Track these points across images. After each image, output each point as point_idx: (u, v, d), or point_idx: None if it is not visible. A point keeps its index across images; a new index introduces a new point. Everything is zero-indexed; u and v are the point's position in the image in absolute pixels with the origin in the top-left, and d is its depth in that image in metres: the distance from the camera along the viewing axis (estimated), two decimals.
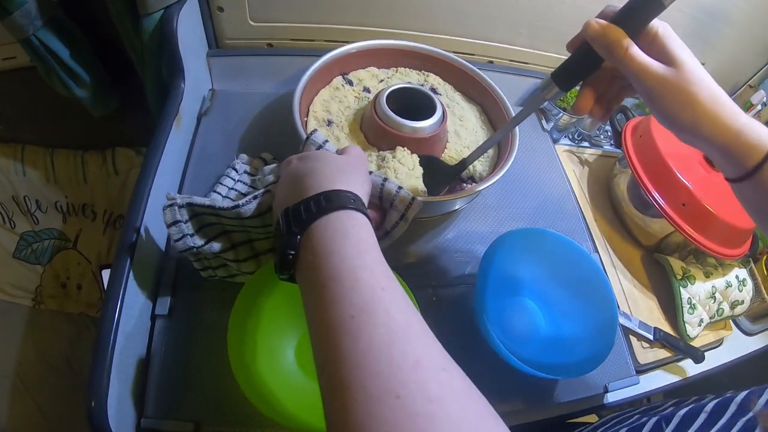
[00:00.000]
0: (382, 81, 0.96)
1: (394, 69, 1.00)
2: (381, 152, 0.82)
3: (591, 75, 0.55)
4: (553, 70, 0.57)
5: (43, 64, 0.93)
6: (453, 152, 0.90)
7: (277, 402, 0.59)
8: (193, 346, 0.69)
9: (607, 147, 1.21)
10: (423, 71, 1.01)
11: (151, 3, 0.81)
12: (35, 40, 0.88)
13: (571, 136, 1.20)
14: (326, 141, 0.69)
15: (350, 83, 0.94)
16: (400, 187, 0.63)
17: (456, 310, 0.82)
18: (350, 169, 0.54)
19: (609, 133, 1.22)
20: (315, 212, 0.46)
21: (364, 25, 1.01)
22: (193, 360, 0.68)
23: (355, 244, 0.44)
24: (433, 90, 0.98)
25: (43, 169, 1.27)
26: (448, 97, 0.99)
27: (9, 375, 1.26)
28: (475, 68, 0.99)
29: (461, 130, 0.93)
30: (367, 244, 0.44)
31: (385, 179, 0.64)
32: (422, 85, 0.96)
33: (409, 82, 0.96)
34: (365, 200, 0.52)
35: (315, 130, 0.68)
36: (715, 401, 0.51)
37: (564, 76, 0.56)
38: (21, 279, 1.33)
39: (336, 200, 0.47)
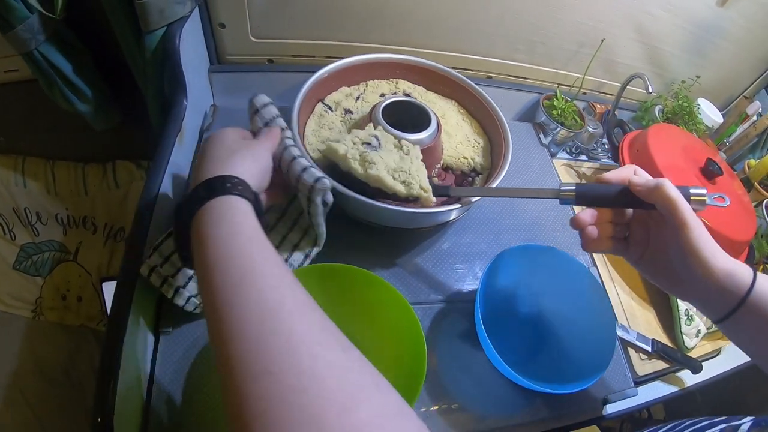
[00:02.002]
0: (358, 99, 0.95)
1: (364, 84, 0.99)
2: (373, 133, 0.80)
3: (608, 206, 0.62)
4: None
5: (45, 78, 0.93)
6: (451, 152, 0.91)
7: None
8: (198, 362, 0.69)
9: (605, 160, 1.22)
10: (392, 79, 1.01)
11: (153, 20, 0.81)
12: (38, 54, 0.88)
13: (568, 150, 1.21)
14: (272, 102, 0.72)
15: (330, 109, 0.93)
16: (304, 169, 0.66)
17: (457, 324, 0.82)
18: (242, 150, 0.58)
19: (606, 147, 1.23)
20: (197, 202, 0.50)
21: (364, 42, 1.02)
22: (198, 376, 0.68)
23: (228, 230, 0.47)
24: (407, 95, 0.97)
25: (44, 181, 1.27)
26: (423, 98, 0.99)
27: (8, 386, 1.25)
28: (440, 65, 1.00)
29: (448, 127, 0.94)
30: (239, 227, 0.47)
31: (294, 158, 0.67)
32: (395, 93, 0.97)
33: (382, 94, 0.97)
34: (254, 180, 0.56)
35: (256, 95, 0.72)
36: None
37: (587, 197, 0.62)
38: (21, 290, 1.33)
39: (214, 188, 0.51)
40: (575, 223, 0.62)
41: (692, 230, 0.54)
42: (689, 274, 0.56)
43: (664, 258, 0.60)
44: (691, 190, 0.57)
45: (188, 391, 0.67)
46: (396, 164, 0.76)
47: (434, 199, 0.76)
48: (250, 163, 0.57)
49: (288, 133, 0.71)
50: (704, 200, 0.57)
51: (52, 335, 1.33)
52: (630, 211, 0.63)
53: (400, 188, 0.74)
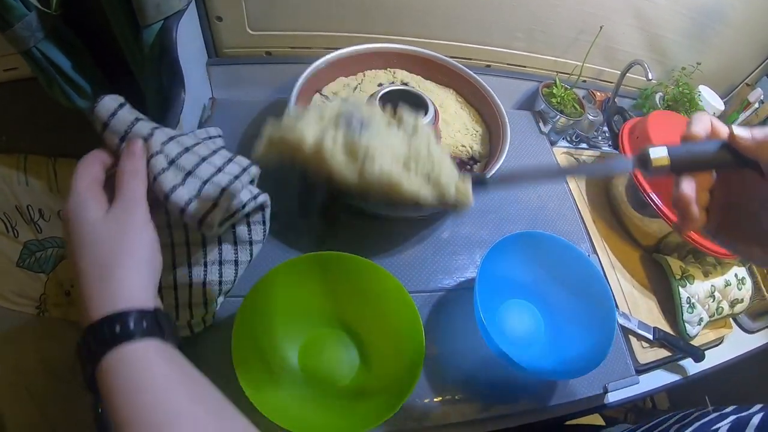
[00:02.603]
0: (355, 89, 0.96)
1: (362, 74, 0.99)
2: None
3: (705, 170, 0.48)
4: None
5: (45, 75, 0.93)
6: (449, 140, 0.92)
7: (281, 406, 0.60)
8: (199, 352, 0.69)
9: (605, 148, 1.22)
10: (389, 69, 1.01)
11: (151, 14, 0.81)
12: (36, 51, 0.88)
13: (569, 138, 1.20)
14: (123, 105, 0.52)
15: (328, 99, 0.93)
16: (189, 202, 0.51)
17: (457, 313, 0.82)
18: (115, 248, 0.45)
19: (607, 134, 1.23)
20: (89, 358, 0.42)
21: (362, 32, 1.02)
22: (198, 365, 0.68)
23: (127, 397, 0.40)
24: (405, 84, 0.97)
25: (46, 178, 1.27)
26: (420, 87, 1.00)
27: (14, 383, 1.26)
28: (437, 54, 1.00)
29: (446, 116, 0.95)
30: (139, 392, 0.40)
31: (155, 178, 0.50)
32: (393, 83, 0.98)
33: (380, 84, 0.97)
34: (145, 287, 0.46)
35: (97, 102, 0.51)
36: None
37: (684, 162, 0.46)
38: (25, 287, 1.33)
39: (101, 341, 0.42)
40: (681, 203, 0.46)
41: None
42: None
43: (753, 222, 0.48)
44: None
45: None
46: (404, 149, 0.47)
47: (472, 201, 0.50)
48: (130, 267, 0.45)
49: (156, 140, 0.52)
50: None
51: (57, 331, 1.34)
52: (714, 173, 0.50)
53: (426, 192, 0.47)
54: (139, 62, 0.91)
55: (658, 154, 0.45)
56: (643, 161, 0.46)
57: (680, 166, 0.46)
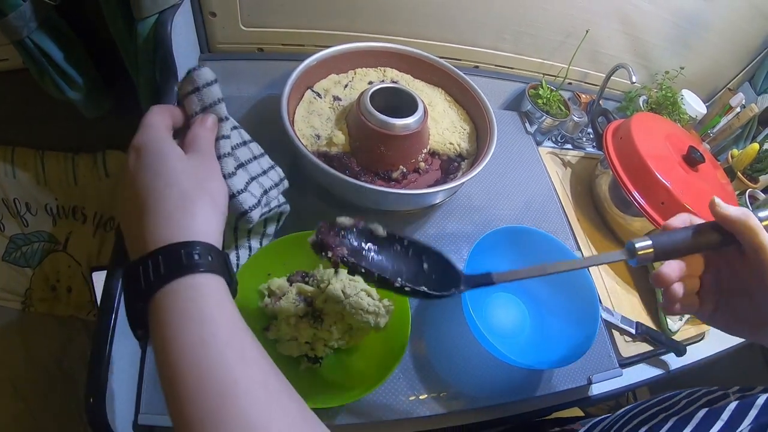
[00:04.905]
0: (346, 86, 0.97)
1: (353, 72, 1.00)
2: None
3: (688, 253, 0.51)
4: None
5: (37, 66, 0.93)
6: (437, 137, 0.94)
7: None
8: None
9: (590, 149, 1.24)
10: (380, 68, 1.02)
11: (146, 7, 0.82)
12: (29, 42, 0.88)
13: (554, 139, 1.22)
14: (216, 81, 0.53)
15: (319, 95, 0.94)
16: (239, 192, 0.56)
17: (445, 306, 0.83)
18: (196, 189, 0.44)
19: (591, 136, 1.25)
20: (153, 282, 0.39)
21: (353, 31, 1.03)
22: None
23: (199, 333, 0.37)
24: (394, 83, 0.99)
25: (34, 171, 1.26)
26: (410, 86, 1.01)
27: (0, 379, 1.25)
28: (427, 54, 1.02)
29: (435, 114, 0.97)
30: (213, 327, 0.38)
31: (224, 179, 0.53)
32: (383, 81, 0.99)
33: (370, 81, 0.98)
34: (219, 229, 0.45)
35: (197, 68, 0.52)
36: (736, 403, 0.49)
37: (667, 250, 0.50)
38: (10, 282, 1.33)
39: (175, 264, 0.39)
40: (659, 281, 0.51)
41: None
42: None
43: (745, 302, 0.51)
44: (759, 214, 0.49)
45: None
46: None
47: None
48: (210, 209, 0.45)
49: (227, 125, 0.55)
50: None
51: (43, 326, 1.33)
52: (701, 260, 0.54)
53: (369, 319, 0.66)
54: (132, 55, 0.91)
55: (643, 246, 0.49)
56: (630, 251, 0.50)
57: (664, 252, 0.49)
